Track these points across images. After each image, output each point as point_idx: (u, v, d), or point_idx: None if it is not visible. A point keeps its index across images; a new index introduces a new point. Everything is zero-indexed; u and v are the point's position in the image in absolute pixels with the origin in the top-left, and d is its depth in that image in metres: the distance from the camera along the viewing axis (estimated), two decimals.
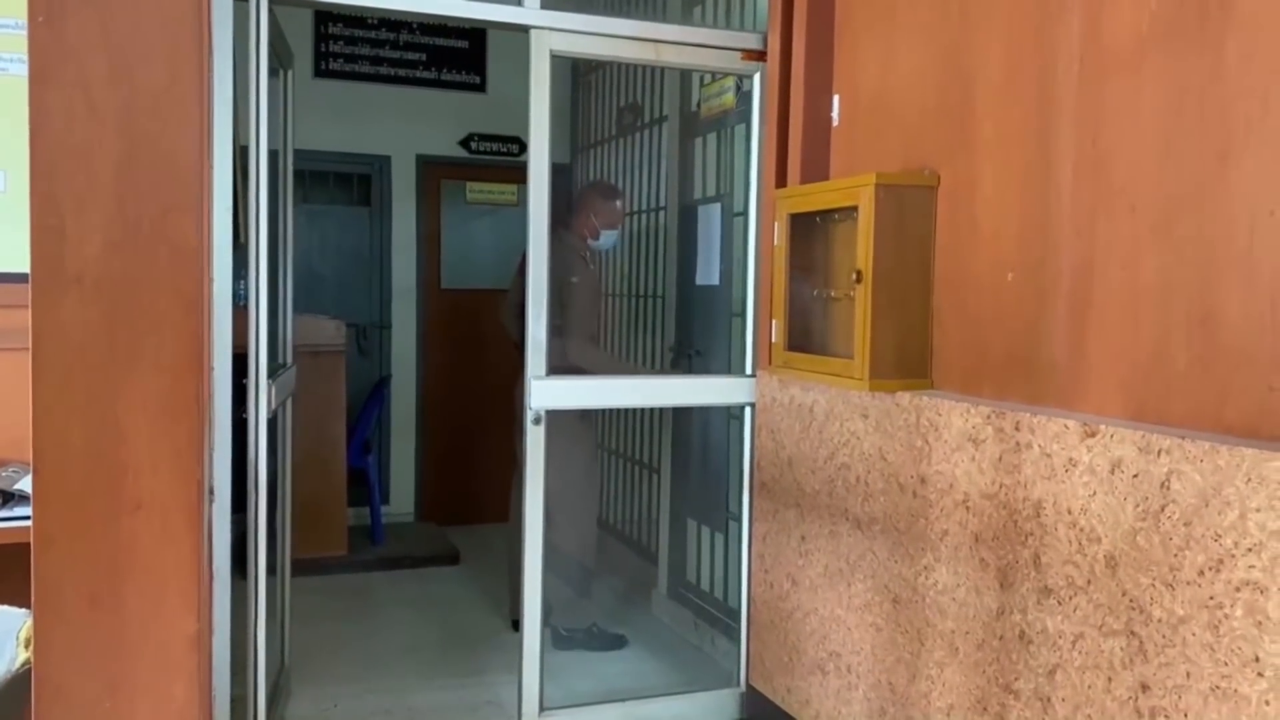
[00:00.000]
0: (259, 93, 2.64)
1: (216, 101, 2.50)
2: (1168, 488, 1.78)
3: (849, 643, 2.72)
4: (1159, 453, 1.79)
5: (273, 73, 2.74)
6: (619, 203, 4.01)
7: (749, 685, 3.27)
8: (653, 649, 3.82)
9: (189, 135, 1.13)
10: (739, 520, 3.36)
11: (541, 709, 3.10)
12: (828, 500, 2.80)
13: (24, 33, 1.60)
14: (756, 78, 3.20)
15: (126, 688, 1.11)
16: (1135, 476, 1.84)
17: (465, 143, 5.86)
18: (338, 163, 5.64)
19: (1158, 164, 1.93)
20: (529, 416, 3.05)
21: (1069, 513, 2.00)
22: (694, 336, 4.08)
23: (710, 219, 3.94)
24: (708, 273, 3.95)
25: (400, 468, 5.79)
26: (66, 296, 1.13)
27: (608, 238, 3.93)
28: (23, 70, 1.79)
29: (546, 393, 3.06)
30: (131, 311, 1.12)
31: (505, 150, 5.94)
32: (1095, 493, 1.94)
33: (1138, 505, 1.84)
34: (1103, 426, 1.92)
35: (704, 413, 3.94)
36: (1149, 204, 1.95)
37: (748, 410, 3.29)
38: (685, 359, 4.09)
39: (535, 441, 3.05)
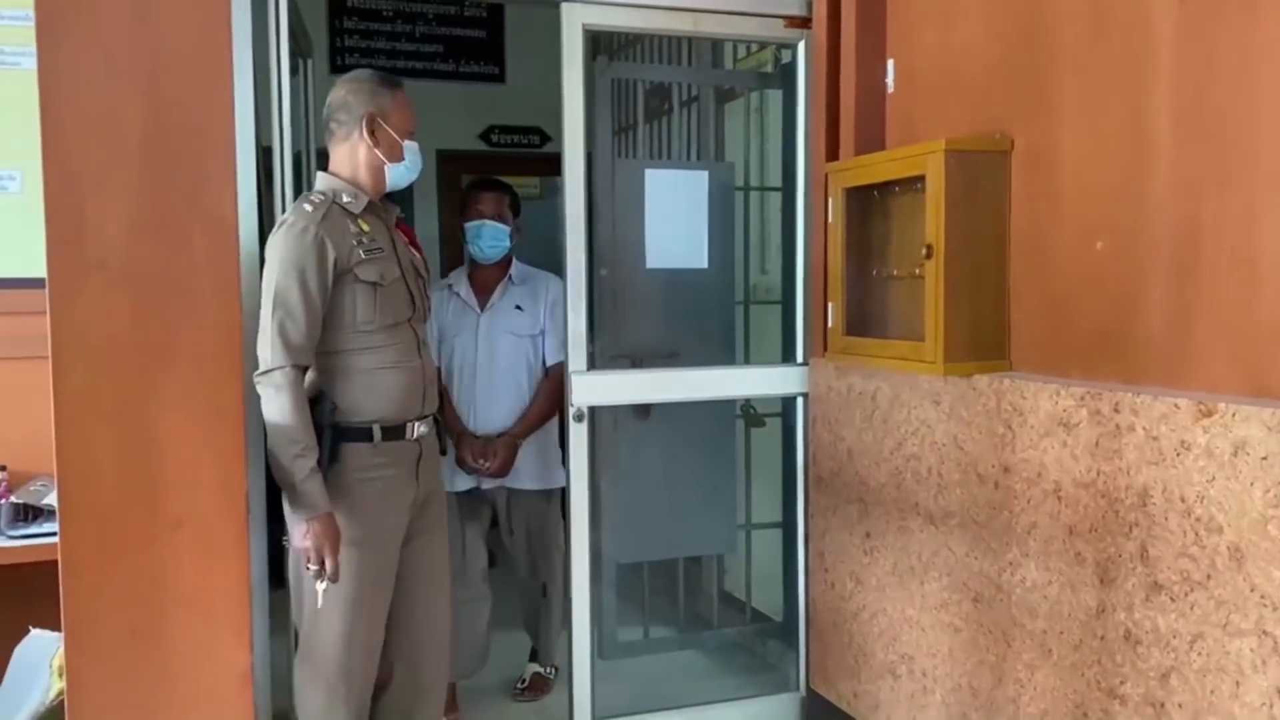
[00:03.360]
0: (281, 80, 2.47)
1: (237, 91, 2.33)
2: None
3: (923, 644, 2.55)
4: None
5: (293, 70, 2.56)
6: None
7: (810, 689, 3.10)
8: (706, 652, 3.66)
9: (219, 101, 0.97)
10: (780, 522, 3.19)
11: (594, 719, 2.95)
12: (895, 494, 2.63)
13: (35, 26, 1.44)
14: (801, 46, 3.02)
15: None
16: (1264, 459, 1.67)
17: (485, 135, 5.71)
18: None
19: None
20: (570, 413, 2.90)
21: (1182, 501, 1.82)
22: (664, 331, 3.30)
23: (686, 188, 3.24)
24: (676, 254, 3.22)
25: None
26: (88, 285, 0.97)
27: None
28: (35, 64, 1.63)
29: (589, 388, 2.90)
30: (164, 301, 0.96)
31: (526, 142, 5.79)
32: (1214, 478, 1.76)
33: (1268, 491, 1.66)
34: (1222, 405, 1.74)
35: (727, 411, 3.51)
36: (1271, 159, 1.76)
37: (800, 401, 3.12)
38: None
39: (579, 440, 2.90)
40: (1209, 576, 1.77)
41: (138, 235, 0.97)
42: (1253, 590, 1.69)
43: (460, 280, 3.27)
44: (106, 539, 0.97)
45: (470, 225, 3.18)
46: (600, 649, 3.15)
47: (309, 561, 2.05)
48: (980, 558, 2.33)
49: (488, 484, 3.18)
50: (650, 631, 3.47)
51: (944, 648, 2.48)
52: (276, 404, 2.03)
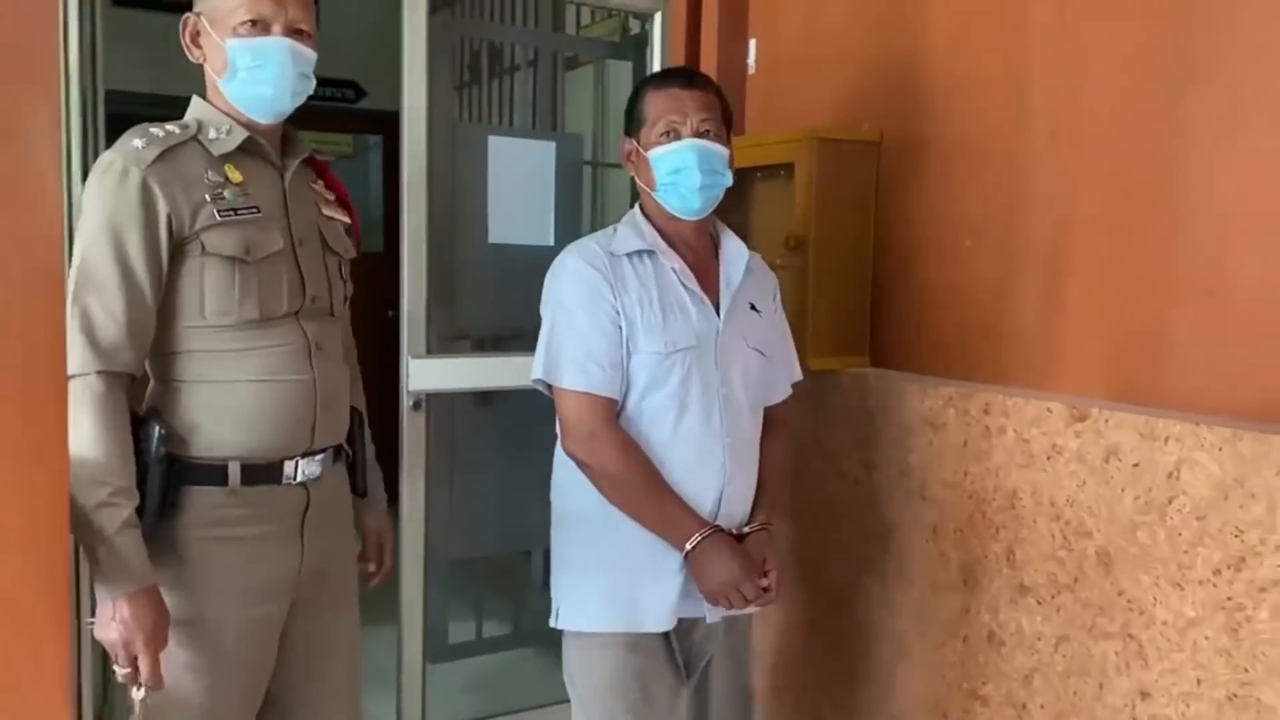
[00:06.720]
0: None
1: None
2: (1176, 478, 1.61)
3: (778, 643, 2.50)
4: (1166, 439, 1.63)
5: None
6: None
7: None
8: (541, 650, 3.51)
9: (43, 40, 0.72)
10: None
11: None
12: None
13: None
14: (657, 17, 2.88)
15: None
16: (1136, 466, 1.67)
17: None
18: (150, 106, 4.91)
19: (1161, 119, 1.75)
20: (407, 400, 2.66)
21: (1051, 504, 1.82)
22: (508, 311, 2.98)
23: (533, 159, 2.99)
24: (521, 229, 3.00)
25: None
26: None
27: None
28: None
29: (426, 374, 2.68)
30: None
31: (340, 96, 5.37)
32: (1085, 483, 1.76)
33: (1138, 497, 1.67)
34: (1095, 410, 1.74)
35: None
36: (1146, 163, 1.76)
37: None
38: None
39: (415, 429, 2.67)
40: (1076, 580, 1.78)
41: None
42: (1120, 594, 1.71)
43: (655, 243, 1.77)
44: None
45: (668, 152, 1.73)
46: (430, 652, 2.95)
47: (116, 660, 1.46)
48: (840, 556, 2.29)
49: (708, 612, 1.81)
50: (484, 630, 3.29)
51: (799, 647, 2.43)
52: (76, 427, 1.43)
